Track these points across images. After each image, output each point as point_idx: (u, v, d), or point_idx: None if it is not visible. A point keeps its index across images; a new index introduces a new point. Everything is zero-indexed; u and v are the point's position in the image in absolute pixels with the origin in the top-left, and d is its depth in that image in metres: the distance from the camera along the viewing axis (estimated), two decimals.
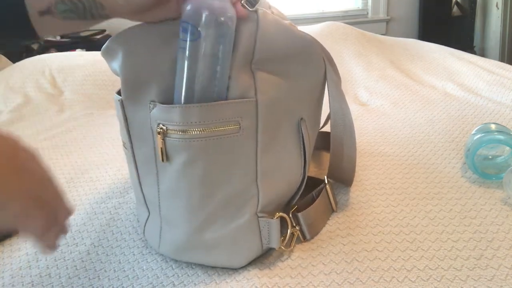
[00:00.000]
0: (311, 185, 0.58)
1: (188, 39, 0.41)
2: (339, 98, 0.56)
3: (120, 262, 0.53)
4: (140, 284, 0.48)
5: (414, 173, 0.70)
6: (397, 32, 2.99)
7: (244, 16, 0.43)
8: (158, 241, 0.52)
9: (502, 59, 2.78)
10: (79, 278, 0.50)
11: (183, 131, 0.43)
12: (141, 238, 0.57)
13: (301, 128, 0.51)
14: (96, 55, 1.42)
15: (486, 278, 0.45)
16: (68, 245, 0.57)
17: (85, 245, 0.56)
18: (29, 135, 1.03)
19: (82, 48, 2.36)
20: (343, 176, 0.62)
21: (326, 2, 2.93)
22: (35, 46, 2.47)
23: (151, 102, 0.45)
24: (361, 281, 0.46)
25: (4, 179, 0.31)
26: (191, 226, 0.48)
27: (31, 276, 0.51)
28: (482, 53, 2.95)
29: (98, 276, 0.50)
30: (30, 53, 2.31)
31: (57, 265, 0.53)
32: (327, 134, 0.76)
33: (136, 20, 0.45)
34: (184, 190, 0.46)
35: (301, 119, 0.51)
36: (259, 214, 0.48)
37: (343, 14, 2.94)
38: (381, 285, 0.45)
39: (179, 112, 0.43)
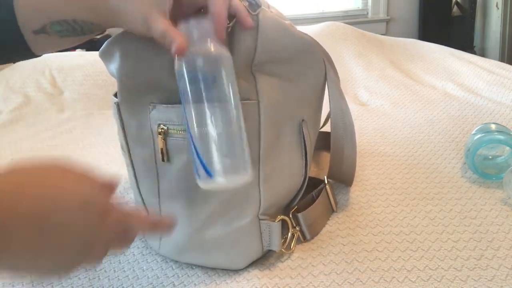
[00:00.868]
0: (311, 185, 0.58)
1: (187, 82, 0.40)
2: (339, 99, 0.56)
3: (120, 262, 0.52)
4: (140, 284, 0.48)
5: (414, 173, 0.70)
6: (397, 32, 2.99)
7: (250, 27, 0.43)
8: (158, 242, 0.52)
9: (502, 59, 2.78)
10: (79, 278, 0.50)
11: (185, 130, 0.43)
12: (141, 239, 0.57)
13: (302, 130, 0.50)
14: (96, 55, 1.41)
15: (486, 278, 0.45)
16: None
17: None
18: (29, 135, 1.03)
19: (82, 48, 2.35)
20: (343, 177, 0.62)
21: (326, 2, 2.93)
22: None
23: (151, 104, 0.45)
24: (361, 281, 0.46)
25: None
26: (191, 227, 0.48)
27: (31, 276, 0.51)
28: (482, 53, 2.95)
29: (98, 276, 0.50)
30: None
31: None
32: (327, 134, 0.76)
33: None
34: (184, 190, 0.46)
35: (303, 120, 0.51)
36: (261, 217, 0.48)
37: (343, 14, 2.94)
38: (381, 285, 0.45)
39: (181, 112, 0.42)
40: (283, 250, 0.50)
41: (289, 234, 0.51)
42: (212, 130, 0.39)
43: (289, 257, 0.51)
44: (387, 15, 3.01)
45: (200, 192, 0.45)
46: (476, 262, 0.48)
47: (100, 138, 0.99)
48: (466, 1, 2.96)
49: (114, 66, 0.47)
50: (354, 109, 1.05)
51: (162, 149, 0.45)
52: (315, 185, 0.59)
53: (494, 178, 0.65)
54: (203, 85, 0.39)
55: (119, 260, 0.53)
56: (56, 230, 0.28)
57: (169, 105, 0.44)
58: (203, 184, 0.40)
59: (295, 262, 0.50)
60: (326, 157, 0.78)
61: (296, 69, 0.49)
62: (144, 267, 0.51)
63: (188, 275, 0.49)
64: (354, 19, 2.93)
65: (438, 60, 1.34)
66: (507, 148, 0.66)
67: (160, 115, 0.44)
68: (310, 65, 0.51)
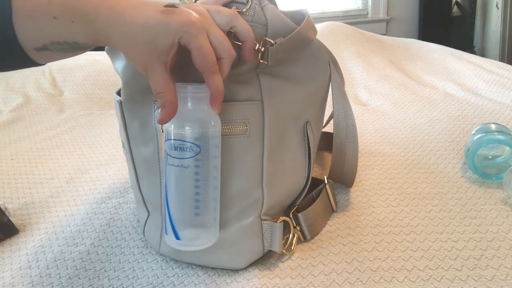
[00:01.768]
0: (311, 185, 0.58)
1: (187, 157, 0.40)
2: (342, 101, 0.56)
3: (120, 262, 0.53)
4: (140, 284, 0.48)
5: (414, 173, 0.70)
6: (397, 32, 2.99)
7: (248, 60, 0.43)
8: (158, 241, 0.52)
9: (502, 59, 2.78)
10: (79, 278, 0.50)
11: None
12: (141, 238, 0.57)
13: (307, 131, 0.50)
14: (96, 55, 1.42)
15: (486, 278, 0.45)
16: (68, 245, 0.57)
17: (85, 245, 0.56)
18: (29, 135, 1.03)
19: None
20: (344, 178, 0.62)
21: (326, 2, 2.93)
22: None
23: (155, 102, 0.45)
24: (361, 281, 0.46)
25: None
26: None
27: (31, 276, 0.51)
28: (482, 53, 2.95)
29: (98, 276, 0.50)
30: None
31: (57, 265, 0.53)
32: (328, 134, 0.76)
33: None
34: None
35: (307, 122, 0.51)
36: (263, 217, 0.48)
37: (343, 14, 2.94)
38: (382, 285, 0.45)
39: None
40: (284, 251, 0.50)
41: (290, 235, 0.51)
42: (189, 198, 0.40)
43: (289, 257, 0.51)
44: (387, 15, 3.02)
45: None
46: (476, 262, 0.48)
47: (100, 138, 0.99)
48: (466, 1, 2.96)
49: (120, 64, 0.47)
50: (354, 109, 1.05)
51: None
52: (315, 185, 0.59)
53: (494, 178, 0.65)
54: (187, 152, 0.39)
55: (119, 260, 0.53)
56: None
57: None
58: (170, 243, 0.42)
59: (295, 262, 0.50)
60: (327, 157, 0.78)
61: (301, 71, 0.49)
62: (144, 267, 0.51)
63: (188, 275, 0.49)
64: (354, 19, 2.93)
65: (438, 60, 1.34)
66: (507, 148, 0.66)
67: None
68: (315, 68, 0.51)
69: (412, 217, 0.57)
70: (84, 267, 0.52)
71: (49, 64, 1.37)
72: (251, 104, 0.44)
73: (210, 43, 0.38)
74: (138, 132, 0.48)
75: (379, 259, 0.50)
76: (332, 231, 0.56)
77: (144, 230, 0.54)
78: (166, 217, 0.41)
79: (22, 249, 0.57)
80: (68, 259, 0.54)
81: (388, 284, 0.45)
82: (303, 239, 0.54)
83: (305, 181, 0.53)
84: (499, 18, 2.77)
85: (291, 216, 0.52)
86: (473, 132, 0.70)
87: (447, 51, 1.40)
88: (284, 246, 0.50)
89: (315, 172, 0.72)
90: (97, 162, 0.85)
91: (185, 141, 0.39)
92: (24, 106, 1.23)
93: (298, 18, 0.55)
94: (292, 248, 0.51)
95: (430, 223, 0.56)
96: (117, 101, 0.48)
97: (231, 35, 0.41)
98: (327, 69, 0.54)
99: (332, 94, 0.56)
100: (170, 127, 0.40)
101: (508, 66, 1.20)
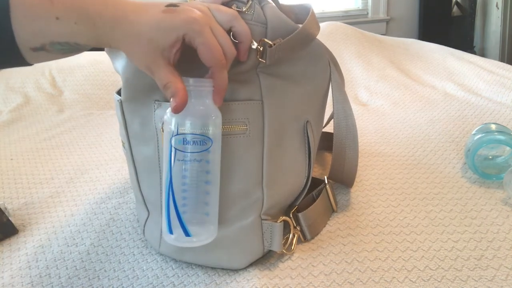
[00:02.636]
0: (311, 185, 0.58)
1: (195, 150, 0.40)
2: (342, 101, 0.56)
3: (120, 262, 0.52)
4: (140, 284, 0.48)
5: (415, 173, 0.70)
6: (397, 32, 2.99)
7: (243, 60, 0.43)
8: (158, 240, 0.51)
9: (502, 59, 2.78)
10: (78, 278, 0.50)
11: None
12: (141, 238, 0.57)
13: (307, 131, 0.50)
14: (96, 55, 1.41)
15: (486, 279, 0.45)
16: (68, 245, 0.57)
17: (85, 245, 0.56)
18: (29, 135, 1.03)
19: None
20: (344, 178, 0.62)
21: (326, 2, 2.93)
22: None
23: (156, 101, 0.45)
24: (361, 281, 0.46)
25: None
26: None
27: (30, 276, 0.51)
28: (482, 53, 2.95)
29: (98, 276, 0.50)
30: None
31: (56, 265, 0.53)
32: (328, 134, 0.76)
33: None
34: None
35: (307, 121, 0.51)
36: (263, 217, 0.48)
37: (343, 14, 2.94)
38: (382, 285, 0.45)
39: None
40: (284, 250, 0.50)
41: (291, 235, 0.51)
42: (201, 191, 0.40)
43: (289, 257, 0.51)
44: (387, 15, 3.01)
45: None
46: (477, 262, 0.48)
47: (100, 138, 0.99)
48: (466, 1, 2.96)
49: (120, 64, 0.47)
50: (354, 109, 1.05)
51: None
52: (315, 185, 0.59)
53: (494, 178, 0.65)
54: (189, 147, 0.39)
55: (119, 260, 0.53)
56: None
57: None
58: (174, 240, 0.42)
59: (295, 262, 0.50)
60: (327, 157, 0.78)
61: (302, 70, 0.49)
62: (144, 267, 0.51)
63: (188, 275, 0.49)
64: (354, 19, 2.93)
65: (438, 60, 1.34)
66: (507, 148, 0.66)
67: (164, 113, 0.44)
68: (315, 67, 0.51)
69: (413, 217, 0.57)
70: (84, 267, 0.52)
71: (49, 64, 1.37)
72: (251, 103, 0.44)
73: None
74: (138, 132, 0.48)
75: (380, 259, 0.50)
76: (332, 231, 0.56)
77: (144, 230, 0.54)
78: (172, 215, 0.41)
79: (21, 249, 0.57)
80: (68, 259, 0.54)
81: (388, 284, 0.45)
82: (303, 239, 0.53)
83: (305, 181, 0.53)
84: (499, 18, 2.77)
85: (291, 216, 0.52)
86: (473, 132, 0.70)
87: (447, 51, 1.40)
88: (284, 246, 0.50)
89: (316, 172, 0.72)
90: (97, 162, 0.84)
91: (196, 134, 0.39)
92: (24, 106, 1.23)
93: (301, 12, 0.54)
94: (292, 248, 0.51)
95: (431, 223, 0.56)
96: (118, 100, 0.48)
97: (230, 34, 0.41)
98: (327, 68, 0.54)
99: (332, 94, 0.56)
100: (175, 122, 0.39)
101: (508, 66, 1.20)
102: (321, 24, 1.54)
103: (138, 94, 0.46)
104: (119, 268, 0.51)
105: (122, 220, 0.62)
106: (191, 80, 0.39)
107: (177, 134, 0.40)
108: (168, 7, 0.38)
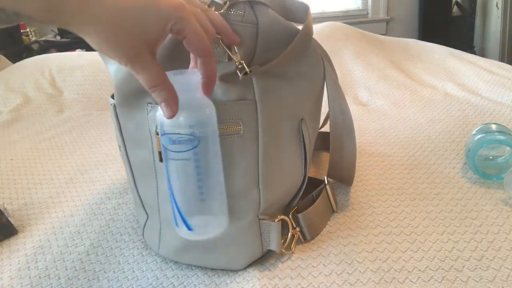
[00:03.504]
0: (311, 186, 0.58)
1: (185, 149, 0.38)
2: (337, 97, 0.56)
3: (119, 263, 0.52)
4: (139, 285, 0.48)
5: (415, 174, 0.69)
6: (397, 32, 2.99)
7: (238, 43, 0.41)
8: (157, 242, 0.51)
9: (502, 59, 2.78)
10: (78, 279, 0.50)
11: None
12: (140, 239, 0.57)
13: (301, 129, 0.50)
14: (96, 56, 1.41)
15: (487, 279, 0.45)
16: (68, 246, 0.57)
17: (85, 246, 0.56)
18: (29, 135, 1.03)
19: (82, 48, 2.36)
20: (343, 175, 0.62)
21: (326, 2, 2.93)
22: (35, 47, 2.48)
23: (149, 104, 0.45)
24: (362, 282, 0.46)
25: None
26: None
27: (30, 277, 0.51)
28: (482, 53, 2.95)
29: (98, 277, 0.50)
30: (30, 53, 2.31)
31: (56, 266, 0.53)
32: (326, 134, 0.76)
33: None
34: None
35: (302, 119, 0.50)
36: (260, 217, 0.48)
37: (343, 14, 2.94)
38: (382, 286, 0.45)
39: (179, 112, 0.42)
40: (283, 250, 0.50)
41: (289, 235, 0.51)
42: (193, 187, 0.40)
43: (289, 257, 0.51)
44: (387, 15, 3.01)
45: None
46: (477, 263, 0.48)
47: (99, 138, 0.99)
48: (466, 1, 2.96)
49: (112, 68, 0.47)
50: (354, 109, 1.05)
51: (159, 150, 0.45)
52: (315, 185, 0.58)
53: (494, 179, 0.64)
54: (186, 146, 0.38)
55: (119, 261, 0.53)
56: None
57: None
58: (182, 234, 0.41)
59: (295, 262, 0.50)
60: (325, 157, 0.78)
61: (295, 68, 0.49)
62: (144, 268, 0.51)
63: (188, 276, 0.49)
64: (354, 19, 2.93)
65: (438, 60, 1.34)
66: (508, 148, 0.66)
67: (158, 115, 0.44)
68: (308, 64, 0.51)
69: (413, 218, 0.57)
70: (84, 268, 0.52)
71: (49, 64, 1.37)
72: (245, 103, 0.44)
73: None
74: (133, 135, 0.48)
75: (380, 260, 0.49)
76: (332, 232, 0.55)
77: (143, 232, 0.54)
78: (175, 210, 0.41)
79: (21, 250, 0.57)
80: (68, 260, 0.54)
81: (388, 285, 0.45)
82: (303, 239, 0.53)
83: (302, 179, 0.53)
84: (499, 18, 2.77)
85: (290, 216, 0.52)
86: (473, 133, 0.70)
87: (447, 51, 1.40)
88: (283, 246, 0.50)
89: (314, 173, 0.72)
90: (97, 162, 0.84)
91: (181, 133, 0.38)
92: (23, 107, 1.23)
93: (299, 10, 0.54)
94: (292, 247, 0.51)
95: (431, 224, 0.56)
96: (111, 104, 0.48)
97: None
98: (321, 65, 0.53)
99: (327, 90, 0.55)
100: (165, 120, 0.38)
101: (508, 66, 1.20)
102: (321, 24, 1.54)
103: (131, 97, 0.46)
104: (119, 269, 0.51)
105: (122, 221, 0.62)
106: (178, 76, 0.37)
107: (164, 134, 0.39)
108: None
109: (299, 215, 0.52)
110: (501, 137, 0.64)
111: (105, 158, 0.86)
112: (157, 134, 0.44)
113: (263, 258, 0.51)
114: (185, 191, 0.40)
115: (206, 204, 0.41)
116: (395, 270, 0.47)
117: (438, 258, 0.49)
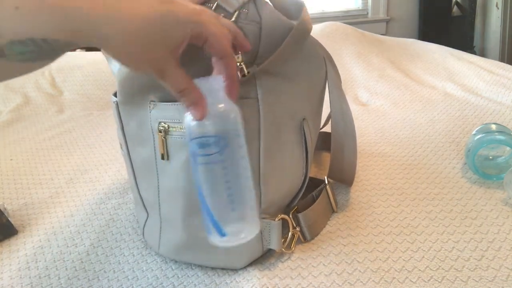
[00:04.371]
0: (311, 186, 0.58)
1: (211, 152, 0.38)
2: (339, 98, 0.56)
3: (119, 263, 0.52)
4: (139, 285, 0.48)
5: (415, 174, 0.69)
6: (397, 32, 2.99)
7: (248, 50, 0.42)
8: (157, 241, 0.51)
9: (502, 59, 2.78)
10: (78, 279, 0.50)
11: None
12: (140, 239, 0.57)
13: (303, 128, 0.50)
14: (96, 55, 1.41)
15: (487, 279, 0.45)
16: (68, 246, 0.57)
17: (85, 246, 0.56)
18: (28, 135, 1.03)
19: (82, 48, 2.36)
20: (343, 176, 0.62)
21: (326, 2, 2.93)
22: None
23: (151, 102, 0.45)
24: (361, 282, 0.46)
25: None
26: (191, 226, 0.47)
27: (30, 277, 0.51)
28: (482, 53, 2.95)
29: (98, 277, 0.50)
30: None
31: (56, 266, 0.53)
32: (327, 134, 0.76)
33: None
34: (184, 189, 0.46)
35: (304, 119, 0.50)
36: (261, 216, 0.48)
37: (343, 14, 2.94)
38: (382, 286, 0.45)
39: (181, 109, 0.42)
40: (283, 249, 0.50)
41: (289, 234, 0.51)
42: (223, 193, 0.39)
43: (289, 257, 0.51)
44: (387, 15, 3.01)
45: None
46: (477, 263, 0.48)
47: (99, 138, 0.99)
48: (466, 1, 2.96)
49: (115, 66, 0.47)
50: (354, 109, 1.05)
51: (162, 148, 0.45)
52: (315, 185, 0.58)
53: (494, 179, 0.64)
54: (215, 148, 0.37)
55: (119, 260, 0.53)
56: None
57: (169, 103, 0.44)
58: (216, 242, 0.40)
59: (295, 262, 0.50)
60: (326, 157, 0.78)
61: (297, 68, 0.49)
62: (144, 268, 0.51)
63: (188, 276, 0.49)
64: (354, 19, 2.93)
65: (438, 60, 1.34)
66: (508, 148, 0.66)
67: (160, 113, 0.44)
68: (310, 64, 0.51)
69: (413, 218, 0.57)
70: (84, 268, 0.52)
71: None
72: (247, 102, 0.44)
73: None
74: (135, 133, 0.48)
75: (380, 259, 0.49)
76: (332, 232, 0.55)
77: (143, 231, 0.54)
78: (206, 218, 0.40)
79: (21, 250, 0.57)
80: (68, 260, 0.54)
81: (388, 285, 0.45)
82: (303, 239, 0.53)
83: (303, 179, 0.53)
84: (499, 18, 2.77)
85: (290, 216, 0.52)
86: (473, 133, 0.70)
87: (447, 51, 1.40)
88: (283, 245, 0.50)
89: (315, 173, 0.72)
90: (97, 162, 0.84)
91: (209, 136, 0.37)
92: (23, 107, 1.23)
93: (293, 7, 0.53)
94: (292, 246, 0.51)
95: (431, 224, 0.56)
96: (114, 102, 0.48)
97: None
98: (323, 65, 0.53)
99: (329, 91, 0.55)
100: (193, 125, 0.37)
101: (508, 66, 1.20)
102: (321, 24, 1.54)
103: (134, 95, 0.46)
104: (119, 269, 0.51)
105: (121, 221, 0.62)
106: (204, 80, 0.37)
107: (194, 138, 0.38)
108: None
109: (299, 215, 0.52)
110: (501, 137, 0.64)
111: (105, 158, 0.86)
112: (159, 132, 0.44)
113: (263, 258, 0.51)
114: (217, 198, 0.39)
115: (238, 210, 0.40)
116: (395, 270, 0.47)
117: (438, 258, 0.49)
